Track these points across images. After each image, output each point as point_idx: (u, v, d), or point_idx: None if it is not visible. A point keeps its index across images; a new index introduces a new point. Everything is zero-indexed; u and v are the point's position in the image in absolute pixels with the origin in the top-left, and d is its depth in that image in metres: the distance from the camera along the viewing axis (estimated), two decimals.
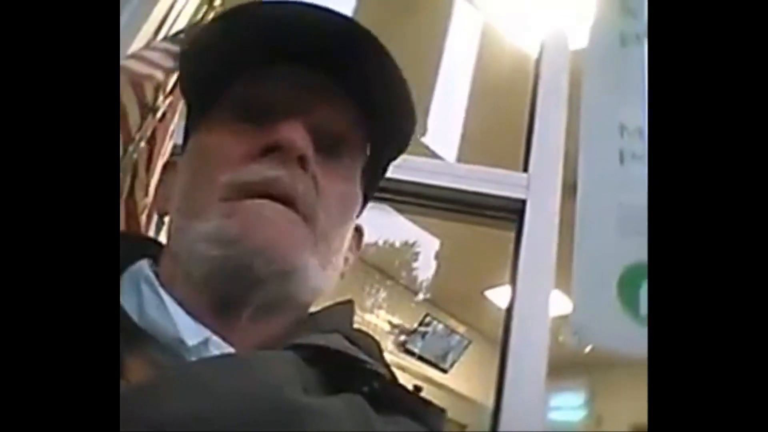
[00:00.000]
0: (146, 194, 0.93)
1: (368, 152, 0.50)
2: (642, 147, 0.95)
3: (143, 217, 0.93)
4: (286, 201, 0.42)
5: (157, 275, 0.44)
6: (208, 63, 0.47)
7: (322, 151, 0.45)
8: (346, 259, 0.51)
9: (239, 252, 0.40)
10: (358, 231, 0.55)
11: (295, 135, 0.43)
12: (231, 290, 0.41)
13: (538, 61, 1.23)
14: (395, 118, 0.48)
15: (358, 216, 0.53)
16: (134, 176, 0.93)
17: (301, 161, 0.43)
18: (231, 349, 0.40)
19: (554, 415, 4.08)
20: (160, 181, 0.53)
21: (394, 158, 0.54)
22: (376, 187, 0.56)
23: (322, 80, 0.46)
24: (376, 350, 0.46)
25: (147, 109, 0.95)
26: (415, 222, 2.99)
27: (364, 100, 0.47)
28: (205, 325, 0.40)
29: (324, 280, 0.45)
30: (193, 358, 0.39)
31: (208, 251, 0.41)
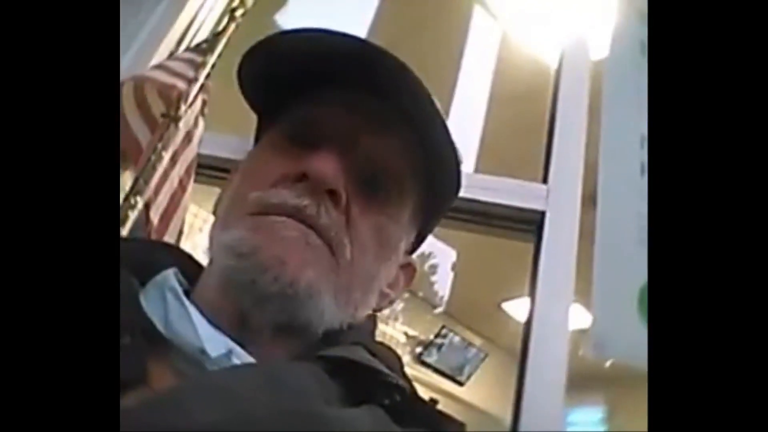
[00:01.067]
0: (156, 195, 0.95)
1: (422, 188, 0.49)
2: None
3: (154, 218, 0.94)
4: (309, 225, 0.42)
5: (181, 284, 0.44)
6: (270, 81, 0.47)
7: (363, 182, 0.45)
8: (386, 295, 0.50)
9: (247, 266, 0.40)
10: (410, 266, 0.54)
11: (327, 167, 0.42)
12: (241, 303, 0.41)
13: (557, 71, 1.22)
14: (445, 154, 0.48)
15: (412, 252, 0.53)
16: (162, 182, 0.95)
17: (332, 194, 0.43)
18: (253, 361, 0.40)
19: (573, 430, 4.03)
20: (224, 188, 0.53)
21: (451, 196, 0.52)
22: (436, 224, 0.55)
23: (377, 109, 0.46)
24: (397, 363, 0.46)
25: (170, 119, 0.96)
26: (432, 233, 2.98)
27: (416, 132, 0.46)
28: (230, 337, 0.40)
29: (338, 314, 0.44)
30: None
31: (224, 261, 0.42)
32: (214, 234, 0.46)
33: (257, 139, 0.54)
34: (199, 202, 1.39)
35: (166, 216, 0.96)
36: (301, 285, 0.41)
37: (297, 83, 0.47)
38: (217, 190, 0.55)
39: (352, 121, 0.46)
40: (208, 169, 1.12)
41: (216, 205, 0.52)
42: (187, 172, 1.00)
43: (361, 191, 0.45)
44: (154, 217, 0.94)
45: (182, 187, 0.99)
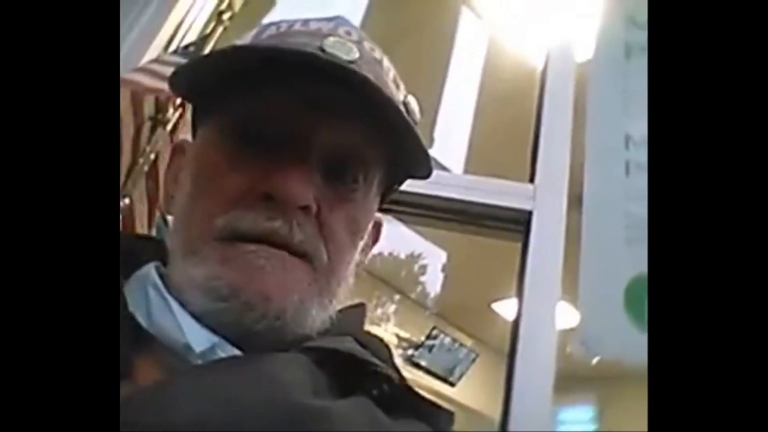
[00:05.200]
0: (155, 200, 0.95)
1: (385, 161, 0.47)
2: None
3: (138, 223, 0.94)
4: (282, 246, 0.41)
5: (163, 278, 0.44)
6: (204, 67, 0.45)
7: (329, 175, 0.44)
8: (359, 262, 0.49)
9: (231, 307, 0.39)
10: (376, 224, 0.52)
11: (294, 185, 0.41)
12: (226, 334, 0.40)
13: (543, 73, 1.23)
14: (408, 133, 0.45)
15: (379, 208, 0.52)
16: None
17: (303, 209, 0.41)
18: (239, 353, 0.40)
19: (562, 429, 4.04)
20: (167, 177, 0.50)
21: (417, 170, 0.49)
22: (395, 191, 0.54)
23: (327, 95, 0.43)
24: (387, 353, 0.46)
25: (156, 122, 0.96)
26: (421, 234, 2.99)
27: (374, 114, 0.44)
28: (214, 331, 0.40)
29: (324, 313, 0.44)
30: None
31: (201, 302, 0.40)
32: (174, 248, 0.44)
33: (195, 126, 0.50)
34: None
35: (148, 218, 0.96)
36: (288, 314, 0.40)
37: (236, 72, 0.43)
38: None
39: (306, 112, 0.43)
40: None
41: (166, 204, 0.49)
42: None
43: (329, 184, 0.44)
44: (139, 222, 0.94)
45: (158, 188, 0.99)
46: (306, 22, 0.47)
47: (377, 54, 0.48)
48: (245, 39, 0.48)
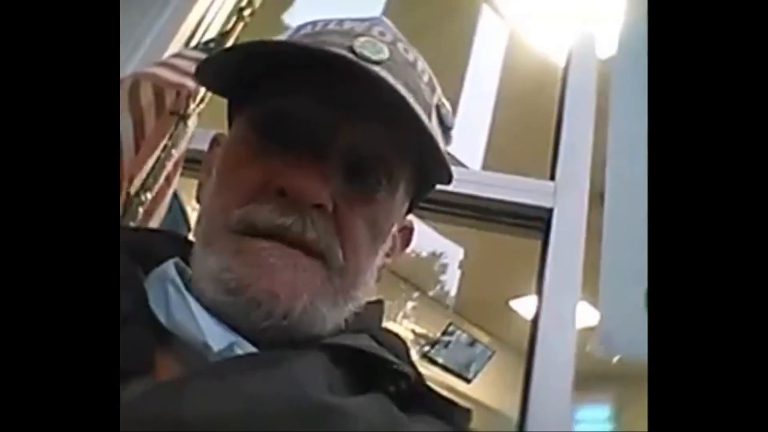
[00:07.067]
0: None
1: (412, 165, 0.47)
2: None
3: (140, 210, 0.95)
4: (295, 245, 0.41)
5: (183, 273, 0.44)
6: (232, 61, 0.44)
7: (349, 174, 0.43)
8: (384, 264, 0.49)
9: (238, 302, 0.39)
10: (406, 229, 0.52)
11: (307, 182, 0.41)
12: (237, 329, 0.40)
13: (565, 69, 1.23)
14: (426, 141, 0.44)
15: (408, 212, 0.52)
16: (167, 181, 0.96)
17: (318, 207, 0.41)
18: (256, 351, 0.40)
19: (580, 428, 4.02)
20: (202, 169, 0.51)
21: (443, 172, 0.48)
22: (426, 196, 0.53)
23: (353, 97, 0.42)
24: (404, 350, 0.46)
25: (178, 118, 0.97)
26: (440, 231, 2.98)
27: (395, 119, 0.43)
28: (232, 328, 0.40)
29: (339, 315, 0.43)
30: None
31: (211, 292, 0.40)
32: (197, 240, 0.45)
33: (229, 119, 0.50)
34: None
35: (150, 209, 0.97)
36: (296, 314, 0.40)
37: (265, 66, 0.44)
38: None
39: (329, 111, 0.43)
40: None
41: (198, 192, 0.50)
42: (175, 167, 1.00)
43: (350, 184, 0.43)
44: (140, 210, 0.95)
45: (168, 182, 0.99)
46: (341, 21, 0.47)
47: (411, 56, 0.47)
48: (281, 38, 0.48)
